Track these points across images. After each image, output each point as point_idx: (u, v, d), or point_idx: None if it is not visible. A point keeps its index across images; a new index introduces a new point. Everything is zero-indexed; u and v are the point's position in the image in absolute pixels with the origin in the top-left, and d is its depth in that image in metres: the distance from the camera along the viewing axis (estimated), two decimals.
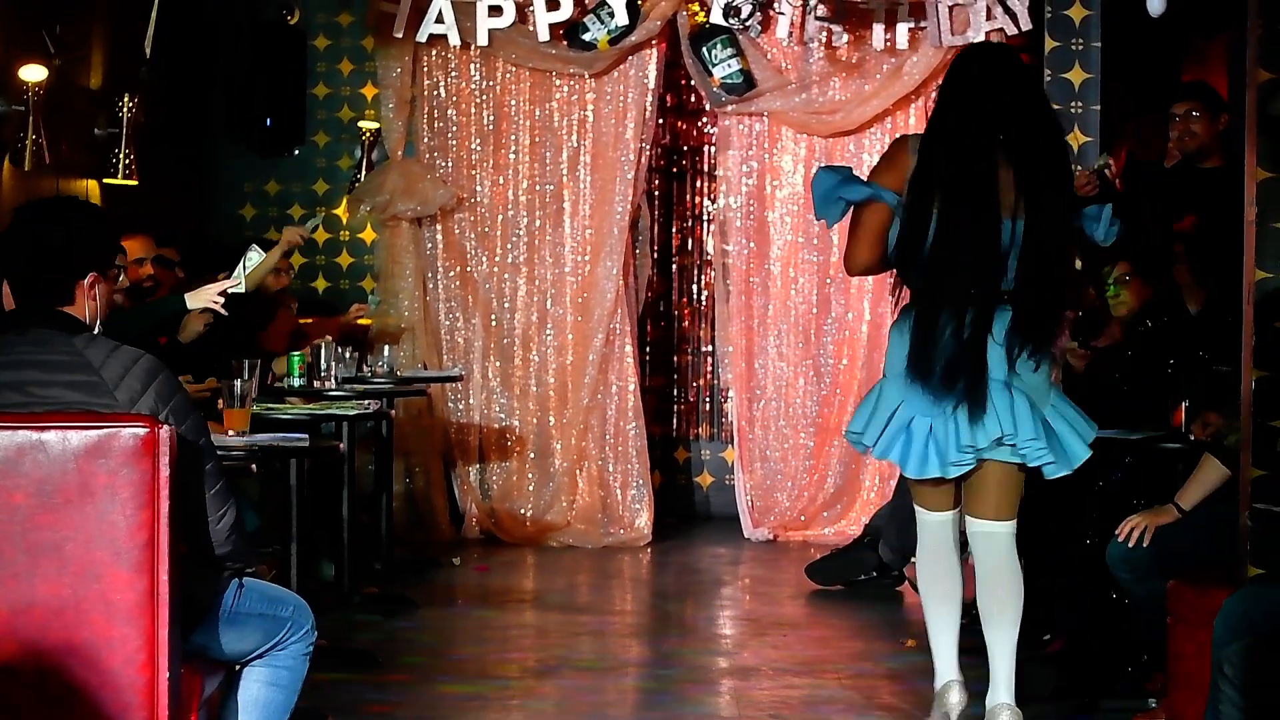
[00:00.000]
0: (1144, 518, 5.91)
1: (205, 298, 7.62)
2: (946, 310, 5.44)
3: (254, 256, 8.18)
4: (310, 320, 10.02)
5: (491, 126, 10.77)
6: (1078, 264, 6.01)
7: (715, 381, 11.43)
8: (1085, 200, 6.10)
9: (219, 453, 4.40)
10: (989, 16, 10.21)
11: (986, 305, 5.42)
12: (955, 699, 5.68)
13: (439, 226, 10.79)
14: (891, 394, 5.57)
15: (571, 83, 10.72)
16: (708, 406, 11.56)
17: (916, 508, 5.80)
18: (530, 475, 10.73)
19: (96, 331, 4.34)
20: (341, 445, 8.01)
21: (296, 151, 11.49)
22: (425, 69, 10.73)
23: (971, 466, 5.51)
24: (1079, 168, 7.71)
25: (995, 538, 5.60)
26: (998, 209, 5.40)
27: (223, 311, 7.70)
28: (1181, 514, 5.86)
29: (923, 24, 10.35)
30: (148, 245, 8.62)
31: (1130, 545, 5.88)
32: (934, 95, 5.70)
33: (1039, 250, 5.42)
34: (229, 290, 7.73)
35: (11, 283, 4.34)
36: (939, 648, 5.73)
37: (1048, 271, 5.46)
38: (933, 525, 5.75)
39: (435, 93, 10.75)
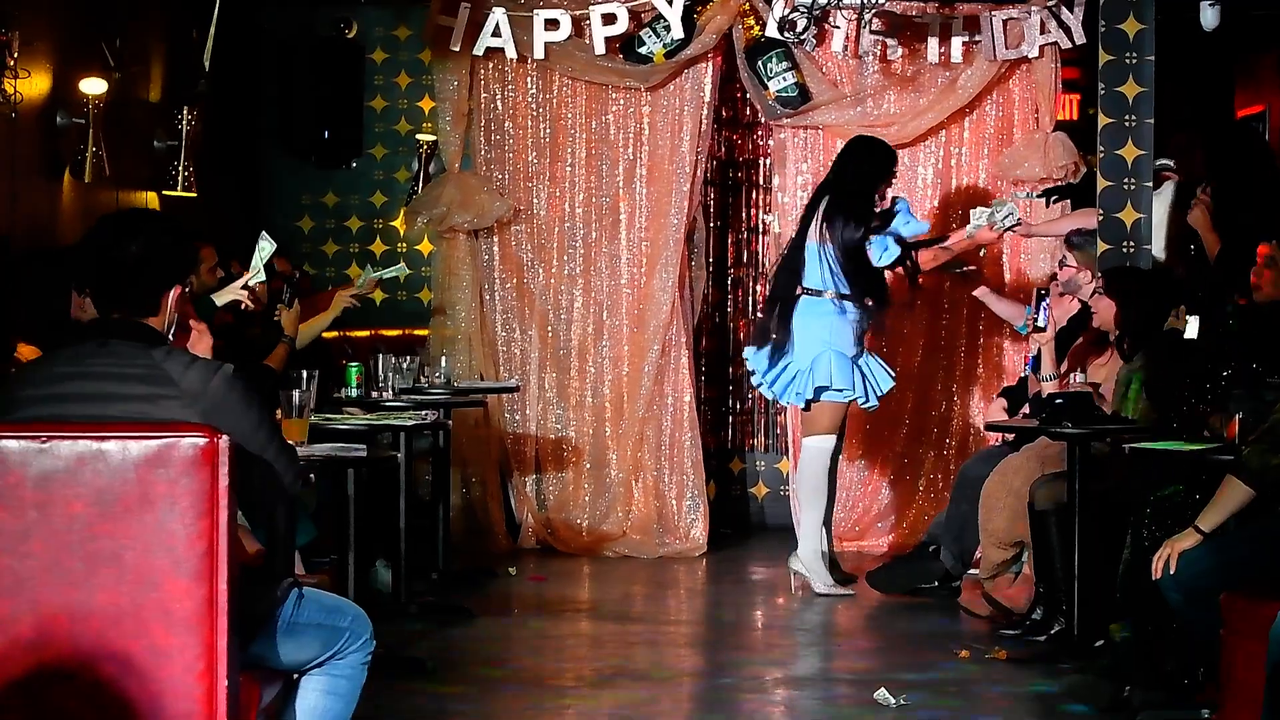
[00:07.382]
0: (1167, 546, 5.81)
1: (229, 294, 8.06)
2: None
3: (266, 246, 8.27)
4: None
5: (548, 139, 10.77)
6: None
7: None
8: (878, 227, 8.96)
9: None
10: (1043, 30, 10.18)
11: (787, 295, 8.95)
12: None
13: (496, 238, 10.80)
14: None
15: (628, 96, 10.72)
16: (763, 418, 11.56)
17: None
18: (586, 486, 10.74)
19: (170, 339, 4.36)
20: (399, 456, 8.08)
21: (354, 164, 11.58)
22: (482, 82, 10.72)
23: (760, 385, 9.21)
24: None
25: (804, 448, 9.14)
26: (801, 238, 9.01)
27: (249, 302, 8.16)
28: (1202, 536, 5.75)
29: (977, 38, 10.32)
30: (213, 255, 8.72)
31: (1157, 576, 5.80)
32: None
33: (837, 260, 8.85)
34: (250, 282, 8.12)
35: (95, 296, 4.35)
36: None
37: (847, 272, 8.85)
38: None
39: (492, 105, 10.75)
